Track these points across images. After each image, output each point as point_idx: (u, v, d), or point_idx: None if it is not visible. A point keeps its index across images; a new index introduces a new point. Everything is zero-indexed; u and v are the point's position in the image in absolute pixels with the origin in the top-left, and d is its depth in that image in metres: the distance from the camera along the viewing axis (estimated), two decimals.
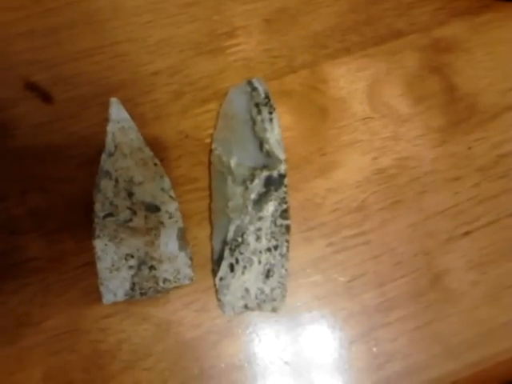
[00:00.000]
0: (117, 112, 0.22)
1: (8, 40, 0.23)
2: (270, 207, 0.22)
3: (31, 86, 0.23)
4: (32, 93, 0.23)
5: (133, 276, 0.22)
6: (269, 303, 0.22)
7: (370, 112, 0.23)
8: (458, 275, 0.22)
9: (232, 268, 0.22)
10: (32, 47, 0.23)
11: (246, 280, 0.22)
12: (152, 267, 0.22)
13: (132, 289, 0.22)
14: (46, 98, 0.23)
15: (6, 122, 0.22)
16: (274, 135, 0.22)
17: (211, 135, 0.23)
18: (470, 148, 0.23)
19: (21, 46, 0.23)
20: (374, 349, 0.21)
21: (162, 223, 0.22)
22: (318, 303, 0.22)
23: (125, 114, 0.22)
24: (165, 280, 0.22)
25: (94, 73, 0.23)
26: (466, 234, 0.22)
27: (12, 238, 0.21)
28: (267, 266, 0.22)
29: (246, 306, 0.22)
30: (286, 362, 0.21)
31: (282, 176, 0.22)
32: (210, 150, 0.22)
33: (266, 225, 0.22)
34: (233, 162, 0.22)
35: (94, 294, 0.21)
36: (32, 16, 0.23)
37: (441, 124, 0.24)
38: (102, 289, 0.21)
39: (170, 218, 0.22)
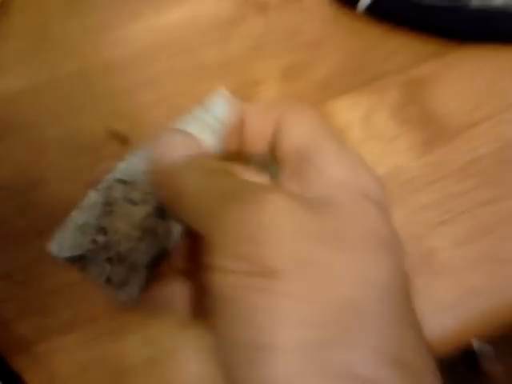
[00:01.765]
0: None
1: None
2: None
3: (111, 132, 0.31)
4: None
5: (90, 250, 0.19)
6: None
7: (365, 135, 0.31)
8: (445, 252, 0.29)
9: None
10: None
11: None
12: (109, 259, 0.19)
13: (80, 257, 0.19)
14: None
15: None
16: None
17: None
18: (444, 157, 0.31)
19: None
20: None
21: (162, 233, 0.20)
22: None
23: None
24: (108, 278, 0.19)
25: None
26: (446, 221, 0.29)
27: None
28: None
29: None
30: None
31: None
32: None
33: None
34: None
35: None
36: None
37: (421, 140, 0.31)
38: (57, 237, 0.19)
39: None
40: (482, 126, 0.31)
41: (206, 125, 0.20)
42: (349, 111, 0.31)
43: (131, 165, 0.19)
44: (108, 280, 0.19)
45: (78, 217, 0.19)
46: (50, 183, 0.29)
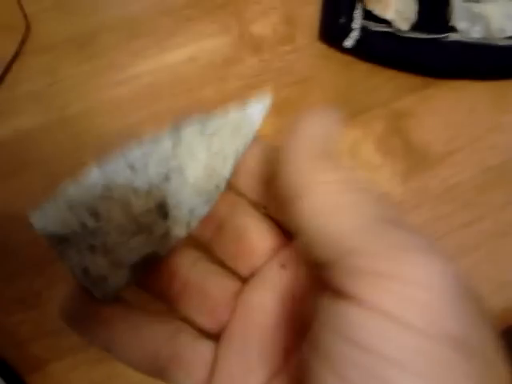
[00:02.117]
0: None
1: None
2: None
3: None
4: None
5: (75, 233, 0.17)
6: None
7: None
8: None
9: None
10: None
11: None
12: (93, 248, 0.17)
13: (62, 238, 0.17)
14: None
15: None
16: None
17: None
18: (426, 183, 0.33)
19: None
20: None
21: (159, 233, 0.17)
22: None
23: None
24: (86, 269, 0.17)
25: None
26: None
27: None
28: None
29: None
30: None
31: None
32: None
33: None
34: None
35: None
36: None
37: (403, 168, 0.33)
38: (43, 209, 0.17)
39: (166, 232, 0.18)
40: (460, 153, 0.33)
41: (236, 129, 0.18)
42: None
43: (147, 152, 0.17)
44: (85, 271, 0.17)
45: (72, 192, 0.17)
46: None
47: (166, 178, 0.17)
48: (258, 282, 0.18)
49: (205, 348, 0.18)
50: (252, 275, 0.19)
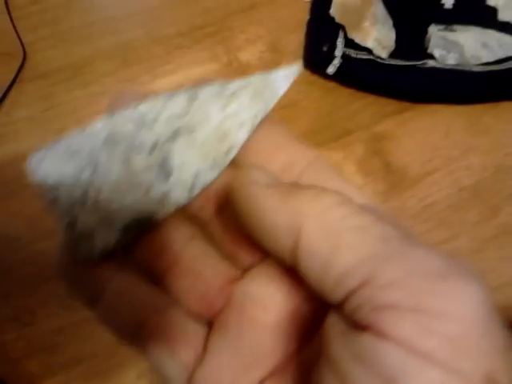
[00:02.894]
0: None
1: None
2: None
3: None
4: None
5: (68, 181, 0.16)
6: None
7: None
8: None
9: None
10: None
11: None
12: (83, 200, 0.16)
13: (55, 186, 0.16)
14: None
15: None
16: None
17: None
18: (404, 202, 0.35)
19: None
20: None
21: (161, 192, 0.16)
22: None
23: None
24: (73, 222, 0.16)
25: None
26: None
27: None
28: None
29: None
30: None
31: None
32: None
33: None
34: None
35: None
36: None
37: (383, 189, 0.35)
38: (41, 154, 0.16)
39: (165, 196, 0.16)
40: (437, 174, 0.35)
41: (257, 93, 0.17)
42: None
43: (158, 107, 0.17)
44: (71, 224, 0.16)
45: (73, 141, 0.16)
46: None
47: (174, 135, 0.16)
48: (260, 272, 0.16)
49: (195, 331, 0.16)
50: (253, 266, 0.17)
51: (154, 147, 0.16)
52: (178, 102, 0.17)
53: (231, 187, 0.16)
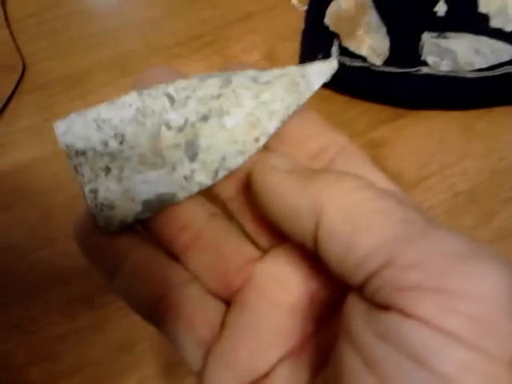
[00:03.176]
0: None
1: None
2: None
3: None
4: None
5: (94, 150, 0.16)
6: None
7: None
8: None
9: None
10: None
11: None
12: (108, 170, 0.16)
13: (81, 152, 0.16)
14: None
15: None
16: None
17: None
18: None
19: None
20: None
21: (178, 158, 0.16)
22: None
23: None
24: (95, 191, 0.16)
25: None
26: None
27: None
28: None
29: None
30: None
31: None
32: None
33: None
34: None
35: None
36: None
37: None
38: (70, 119, 0.16)
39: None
40: (432, 179, 0.36)
41: (292, 84, 0.17)
42: None
43: (191, 86, 0.17)
44: (93, 191, 0.16)
45: (103, 110, 0.16)
46: (58, 242, 0.33)
47: (204, 117, 0.16)
48: (280, 254, 0.16)
49: (213, 308, 0.16)
50: (272, 247, 0.17)
51: (184, 125, 0.16)
52: (212, 85, 0.17)
53: (251, 173, 0.16)
